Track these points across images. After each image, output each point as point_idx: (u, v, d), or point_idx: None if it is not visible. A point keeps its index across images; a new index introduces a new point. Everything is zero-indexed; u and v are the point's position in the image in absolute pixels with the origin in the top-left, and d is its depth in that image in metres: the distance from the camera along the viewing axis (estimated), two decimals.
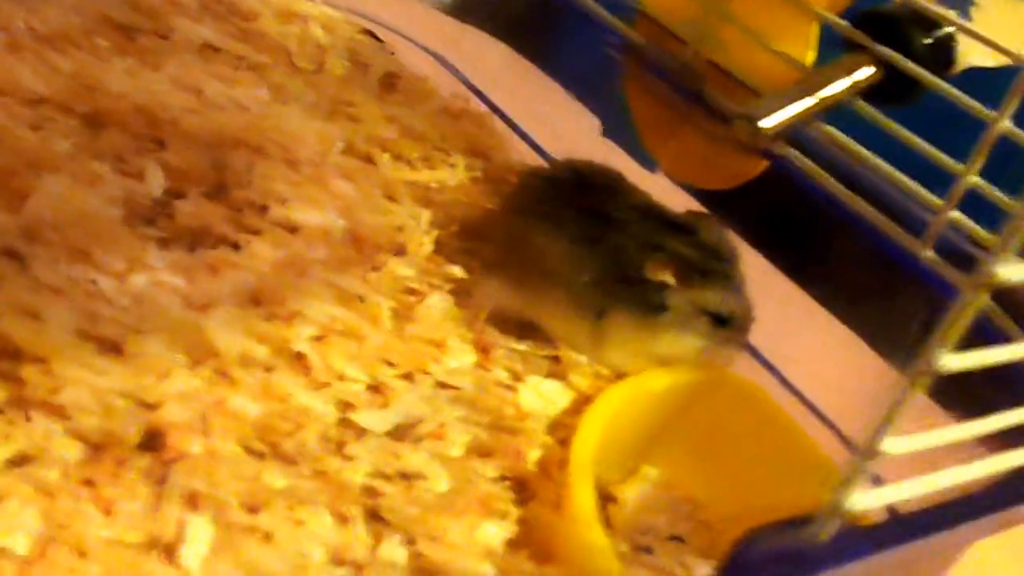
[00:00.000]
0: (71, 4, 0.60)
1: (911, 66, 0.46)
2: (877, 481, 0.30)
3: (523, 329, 0.52)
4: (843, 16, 0.49)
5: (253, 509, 0.39)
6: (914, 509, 0.33)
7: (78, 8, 0.59)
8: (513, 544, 0.43)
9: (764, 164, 0.54)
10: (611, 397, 0.49)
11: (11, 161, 0.47)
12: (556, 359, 0.51)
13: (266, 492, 0.40)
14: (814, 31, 0.51)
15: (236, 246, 0.48)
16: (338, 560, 0.40)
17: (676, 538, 0.49)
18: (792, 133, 0.48)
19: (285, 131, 0.56)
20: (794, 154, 0.49)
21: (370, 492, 0.42)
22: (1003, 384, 0.34)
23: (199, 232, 0.49)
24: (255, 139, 0.54)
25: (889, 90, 0.48)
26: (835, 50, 0.50)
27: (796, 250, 0.61)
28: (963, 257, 0.43)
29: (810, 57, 0.51)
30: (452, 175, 0.60)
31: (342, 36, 0.68)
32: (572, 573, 0.43)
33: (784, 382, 0.55)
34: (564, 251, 0.51)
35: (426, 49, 0.70)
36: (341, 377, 0.46)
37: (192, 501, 0.38)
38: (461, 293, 0.53)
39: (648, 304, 0.50)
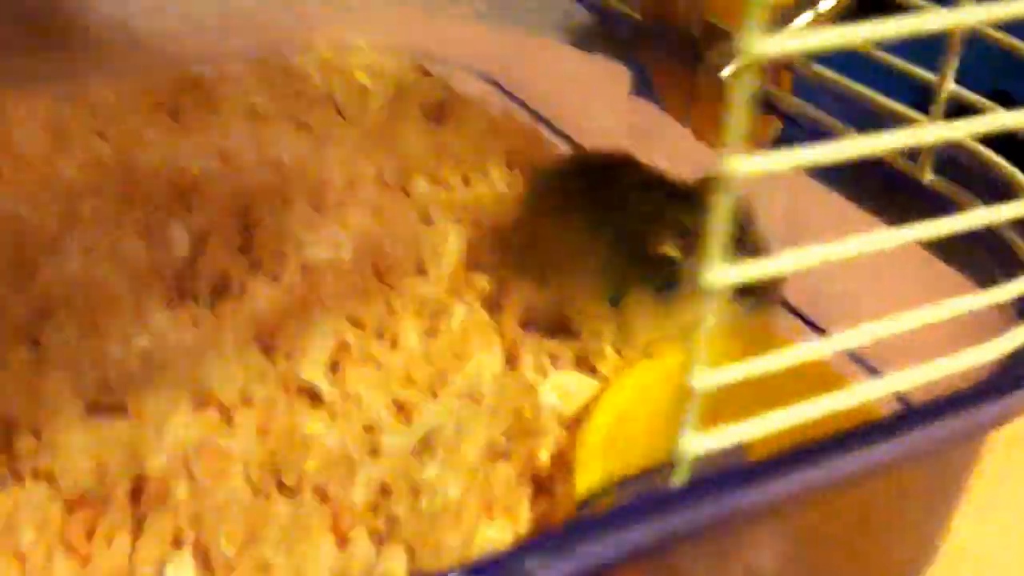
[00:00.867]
0: (117, 81, 0.63)
1: None
2: None
3: (554, 327, 0.51)
4: None
5: (248, 541, 0.40)
6: None
7: (123, 85, 0.63)
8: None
9: (778, 124, 0.50)
10: (625, 379, 0.47)
11: (30, 239, 0.51)
12: (584, 352, 0.50)
13: (263, 524, 0.41)
14: None
15: (247, 291, 0.50)
16: None
17: None
18: None
19: (315, 177, 0.57)
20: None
21: (376, 510, 0.42)
22: None
23: (217, 286, 0.50)
24: (283, 189, 0.56)
25: None
26: None
27: None
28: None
29: None
30: (489, 190, 0.60)
31: (390, 74, 0.69)
32: None
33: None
34: (574, 240, 0.50)
35: (478, 72, 0.71)
36: (359, 403, 0.46)
37: (176, 541, 0.39)
38: (489, 302, 0.52)
39: (659, 281, 0.48)
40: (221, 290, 0.51)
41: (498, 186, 0.60)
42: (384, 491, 0.43)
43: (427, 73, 0.70)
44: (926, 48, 0.41)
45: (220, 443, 0.43)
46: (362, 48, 0.71)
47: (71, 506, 0.40)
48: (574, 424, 0.46)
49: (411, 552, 0.41)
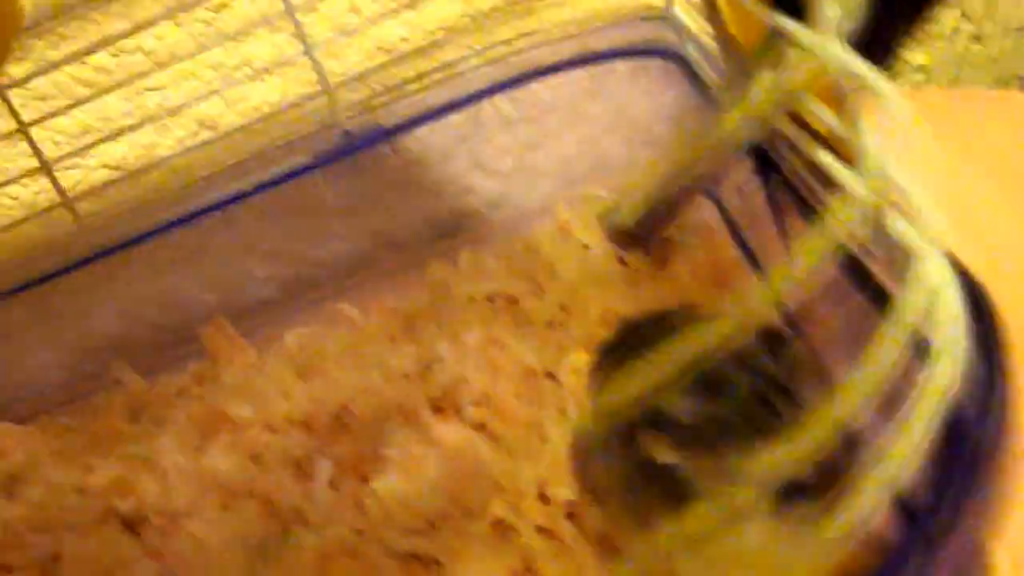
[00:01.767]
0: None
1: None
2: None
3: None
4: None
5: None
6: None
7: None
8: None
9: None
10: None
11: None
12: None
13: None
14: None
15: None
16: None
17: None
18: None
19: (445, 383, 0.53)
20: None
21: None
22: None
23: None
24: (414, 403, 0.53)
25: None
26: None
27: None
28: None
29: None
30: None
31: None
32: None
33: None
34: (598, 452, 0.39)
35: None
36: None
37: None
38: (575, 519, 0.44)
39: (676, 499, 0.36)
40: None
41: None
42: None
43: None
44: None
45: None
46: (601, 196, 0.64)
47: None
48: None
49: None
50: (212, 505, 0.52)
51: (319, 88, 0.65)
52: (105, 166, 0.76)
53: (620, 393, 0.33)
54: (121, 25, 0.68)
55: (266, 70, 0.72)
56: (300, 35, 0.63)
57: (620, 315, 0.53)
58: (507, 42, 0.69)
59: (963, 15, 0.86)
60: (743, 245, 0.54)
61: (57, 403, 0.69)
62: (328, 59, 0.70)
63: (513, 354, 0.53)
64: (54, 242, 0.66)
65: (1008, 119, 0.68)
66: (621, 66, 0.64)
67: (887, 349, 0.18)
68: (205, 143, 0.71)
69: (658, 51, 0.61)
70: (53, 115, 0.65)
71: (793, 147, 0.33)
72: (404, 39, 0.74)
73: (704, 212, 0.59)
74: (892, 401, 0.34)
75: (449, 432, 0.49)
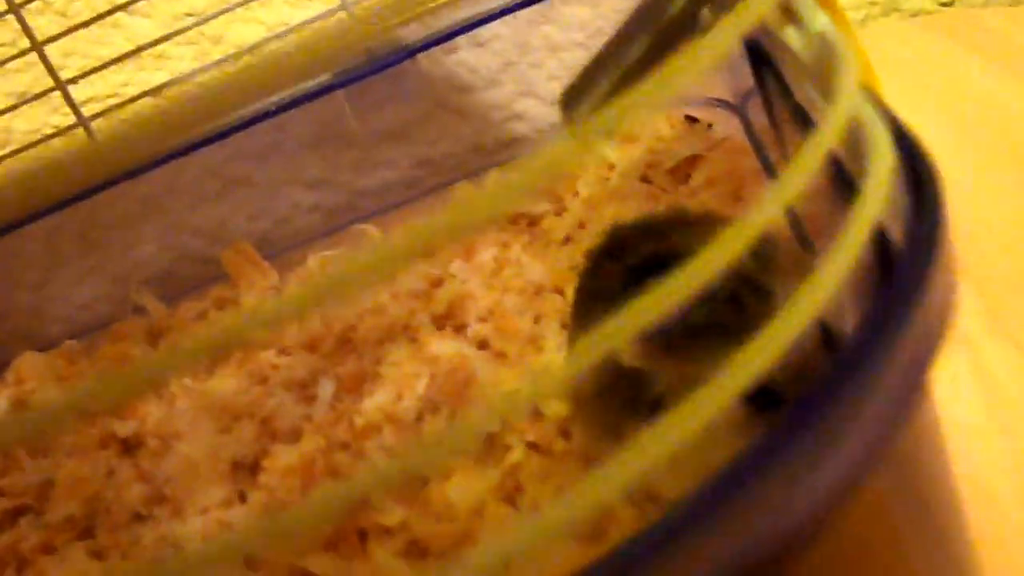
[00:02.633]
0: None
1: None
2: None
3: None
4: None
5: None
6: None
7: None
8: None
9: None
10: None
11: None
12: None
13: None
14: None
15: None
16: None
17: None
18: None
19: (449, 300, 0.50)
20: None
21: None
22: None
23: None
24: (418, 320, 0.50)
25: None
26: None
27: None
28: None
29: None
30: None
31: (644, 137, 0.58)
32: None
33: None
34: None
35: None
36: None
37: None
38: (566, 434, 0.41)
39: (645, 403, 0.33)
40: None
41: None
42: None
43: (694, 120, 0.58)
44: None
45: None
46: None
47: None
48: None
49: None
50: (209, 428, 0.51)
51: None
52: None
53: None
54: None
55: None
56: None
57: None
58: None
59: None
60: (764, 159, 0.50)
61: (83, 330, 0.68)
62: None
63: (525, 273, 0.51)
64: (75, 161, 0.65)
65: None
66: None
67: (807, 162, 0.15)
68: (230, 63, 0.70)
69: None
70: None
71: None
72: None
73: (729, 126, 0.56)
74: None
75: (444, 348, 0.46)
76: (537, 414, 0.42)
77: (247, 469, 0.47)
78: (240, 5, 0.68)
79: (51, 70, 0.61)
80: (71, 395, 0.14)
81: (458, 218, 0.14)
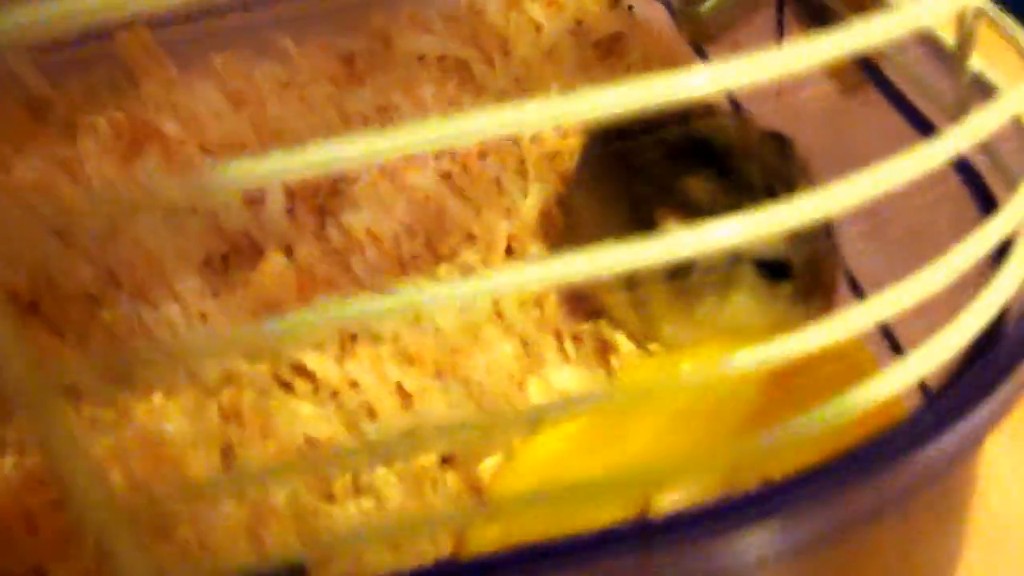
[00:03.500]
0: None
1: None
2: None
3: (593, 309, 0.44)
4: None
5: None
6: None
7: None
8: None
9: None
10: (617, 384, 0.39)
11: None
12: (603, 340, 0.42)
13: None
14: None
15: (285, 258, 0.48)
16: None
17: None
18: None
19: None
20: None
21: (301, 514, 0.39)
22: None
23: (267, 249, 0.49)
24: None
25: None
26: None
27: None
28: None
29: None
30: None
31: (570, 7, 0.62)
32: None
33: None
34: (594, 215, 0.42)
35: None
36: (352, 386, 0.44)
37: None
38: None
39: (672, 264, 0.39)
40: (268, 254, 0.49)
41: None
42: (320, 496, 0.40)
43: (617, 2, 0.63)
44: None
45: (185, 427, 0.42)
46: None
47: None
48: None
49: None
50: (152, 216, 0.52)
51: None
52: None
53: None
54: None
55: None
56: None
57: None
58: None
59: None
60: (699, 48, 0.56)
61: None
62: None
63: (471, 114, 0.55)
64: None
65: None
66: None
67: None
68: None
69: None
70: None
71: None
72: None
73: (647, 10, 0.61)
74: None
75: (418, 178, 0.50)
76: (511, 250, 0.47)
77: (210, 265, 0.49)
78: None
79: None
80: None
81: None
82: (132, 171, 0.56)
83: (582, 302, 0.44)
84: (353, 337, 0.45)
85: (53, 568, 0.38)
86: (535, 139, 0.53)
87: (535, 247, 0.47)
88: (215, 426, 0.42)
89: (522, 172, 0.51)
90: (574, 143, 0.52)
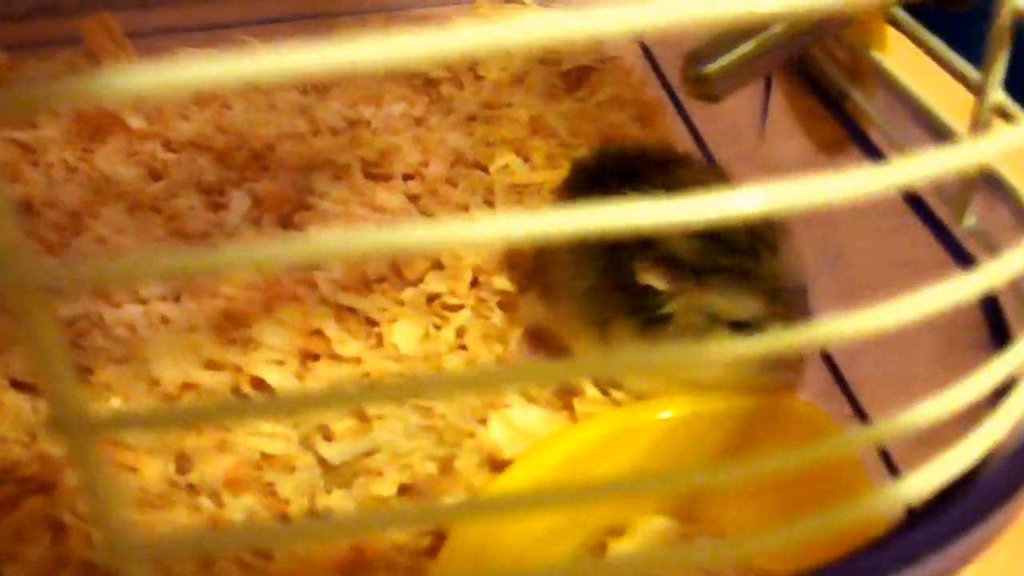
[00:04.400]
0: None
1: None
2: None
3: (557, 347, 0.45)
4: None
5: None
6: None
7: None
8: None
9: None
10: (578, 431, 0.40)
11: (101, 203, 0.52)
12: (571, 385, 0.43)
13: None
14: None
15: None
16: None
17: None
18: None
19: (386, 149, 0.54)
20: None
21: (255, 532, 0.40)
22: None
23: None
24: (346, 160, 0.53)
25: None
26: None
27: None
28: None
29: None
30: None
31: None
32: None
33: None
34: (568, 254, 0.43)
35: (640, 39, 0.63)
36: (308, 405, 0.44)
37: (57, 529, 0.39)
38: (505, 308, 0.47)
39: (648, 314, 0.40)
40: None
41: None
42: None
43: None
44: None
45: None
46: (524, 4, 0.66)
47: None
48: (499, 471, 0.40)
49: None
50: (115, 210, 0.52)
51: None
52: None
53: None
54: None
55: None
56: None
57: (550, 127, 0.56)
58: None
59: None
60: (667, 88, 0.58)
61: None
62: None
63: (441, 137, 0.55)
64: None
65: None
66: None
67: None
68: None
69: None
70: None
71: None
72: None
73: (618, 46, 0.63)
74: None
75: (387, 198, 0.51)
76: (477, 283, 0.48)
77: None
78: None
79: None
80: None
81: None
82: (94, 161, 0.55)
83: (546, 341, 0.45)
84: (315, 356, 0.45)
85: (5, 569, 0.38)
86: (504, 169, 0.54)
87: (501, 280, 0.48)
88: (172, 435, 0.42)
89: (489, 201, 0.52)
90: (542, 177, 0.53)
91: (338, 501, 0.40)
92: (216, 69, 0.14)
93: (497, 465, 0.40)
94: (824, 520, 0.20)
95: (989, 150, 0.19)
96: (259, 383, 0.44)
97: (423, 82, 0.61)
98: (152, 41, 0.64)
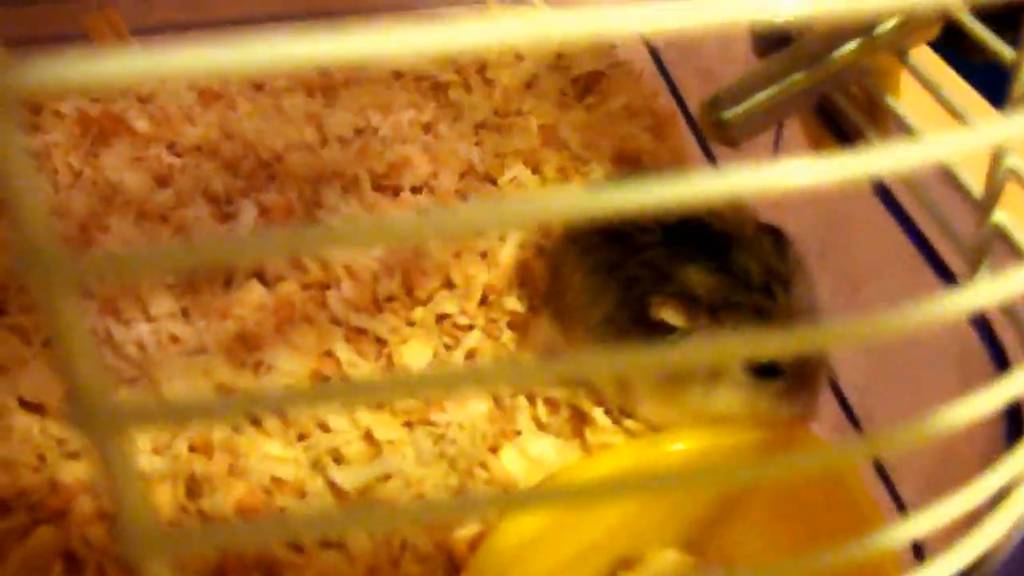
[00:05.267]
0: None
1: None
2: None
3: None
4: None
5: None
6: None
7: None
8: None
9: None
10: (593, 464, 0.40)
11: (110, 212, 0.52)
12: (584, 413, 0.43)
13: None
14: None
15: (259, 288, 0.48)
16: None
17: None
18: None
19: (396, 161, 0.53)
20: None
21: (267, 564, 0.40)
22: None
23: (244, 276, 0.49)
24: (355, 171, 0.53)
25: None
26: None
27: None
28: None
29: None
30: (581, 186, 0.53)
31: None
32: None
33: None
34: (583, 282, 0.43)
35: (649, 44, 0.62)
36: (325, 429, 0.44)
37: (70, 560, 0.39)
38: (515, 329, 0.47)
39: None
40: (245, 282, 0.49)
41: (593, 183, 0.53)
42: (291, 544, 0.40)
43: None
44: None
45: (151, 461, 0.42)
46: (535, 6, 0.65)
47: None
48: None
49: None
50: (124, 221, 0.51)
51: None
52: None
53: None
54: None
55: None
56: None
57: (561, 139, 0.55)
58: None
59: None
60: (679, 100, 0.57)
61: None
62: None
63: (451, 147, 0.55)
64: None
65: None
66: None
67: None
68: None
69: None
70: None
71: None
72: None
73: (630, 51, 0.62)
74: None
75: (397, 214, 0.50)
76: (487, 302, 0.48)
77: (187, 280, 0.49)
78: None
79: None
80: None
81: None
82: (100, 166, 0.55)
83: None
84: (326, 378, 0.45)
85: None
86: (514, 181, 0.53)
87: (511, 300, 0.47)
88: (183, 459, 0.42)
89: None
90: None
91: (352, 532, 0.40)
92: (226, 55, 0.14)
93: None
94: (834, 554, 0.20)
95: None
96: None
97: (431, 85, 0.61)
98: (155, 37, 0.63)
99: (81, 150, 0.56)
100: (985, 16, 0.33)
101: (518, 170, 0.54)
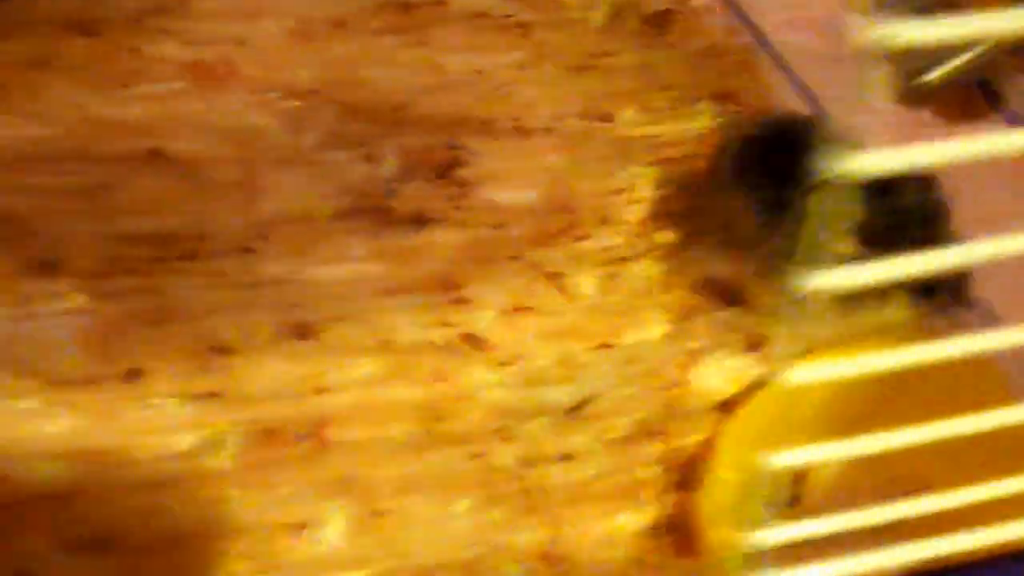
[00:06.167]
0: None
1: None
2: None
3: (733, 296, 0.51)
4: None
5: (400, 491, 0.44)
6: None
7: None
8: (654, 532, 0.44)
9: None
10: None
11: (257, 157, 0.54)
12: (755, 331, 0.50)
13: (417, 476, 0.44)
14: None
15: (439, 229, 0.52)
16: (475, 541, 0.43)
17: None
18: None
19: (518, 102, 0.57)
20: None
21: (520, 475, 0.45)
22: None
23: (412, 218, 0.53)
24: (486, 113, 0.57)
25: None
26: None
27: None
28: None
29: None
30: (695, 125, 0.58)
31: None
32: (708, 567, 0.43)
33: None
34: (755, 217, 0.49)
35: None
36: (523, 355, 0.49)
37: (342, 485, 0.44)
38: (673, 258, 0.53)
39: None
40: (410, 224, 0.52)
41: (704, 122, 0.58)
42: (529, 460, 0.45)
43: None
44: None
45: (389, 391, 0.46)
46: None
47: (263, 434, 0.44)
48: (727, 410, 0.47)
49: (548, 526, 0.43)
50: (272, 167, 0.54)
51: None
52: None
53: None
54: None
55: None
56: None
57: (662, 78, 0.60)
58: None
59: None
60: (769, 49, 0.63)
61: None
62: None
63: (559, 87, 0.59)
64: None
65: None
66: None
67: None
68: None
69: None
70: None
71: None
72: None
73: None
74: None
75: (538, 151, 0.55)
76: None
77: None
78: None
79: None
80: None
81: None
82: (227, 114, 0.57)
83: (719, 287, 0.51)
84: (515, 309, 0.50)
85: None
86: (631, 121, 0.58)
87: (662, 233, 0.53)
88: (424, 386, 0.46)
89: (626, 155, 0.57)
90: (666, 130, 0.58)
91: (585, 444, 0.46)
92: None
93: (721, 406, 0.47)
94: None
95: None
96: (469, 337, 0.49)
97: (514, 24, 0.64)
98: None
99: (195, 95, 0.57)
100: None
101: (631, 110, 0.59)
